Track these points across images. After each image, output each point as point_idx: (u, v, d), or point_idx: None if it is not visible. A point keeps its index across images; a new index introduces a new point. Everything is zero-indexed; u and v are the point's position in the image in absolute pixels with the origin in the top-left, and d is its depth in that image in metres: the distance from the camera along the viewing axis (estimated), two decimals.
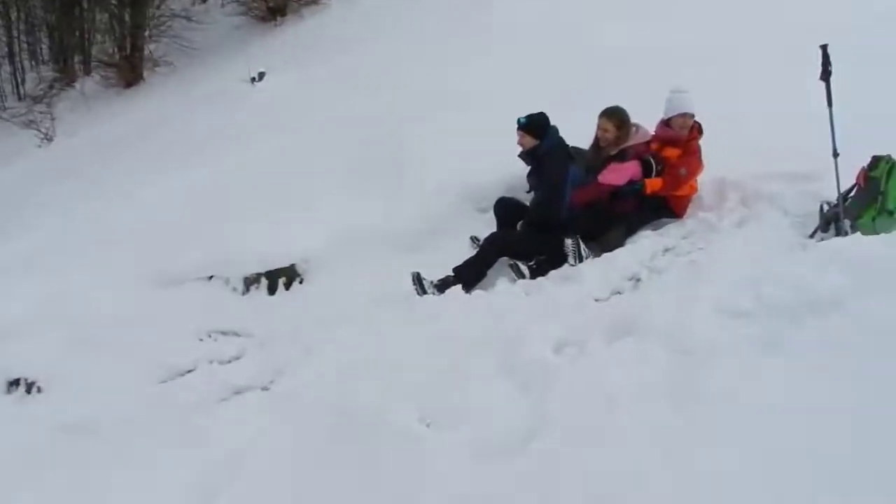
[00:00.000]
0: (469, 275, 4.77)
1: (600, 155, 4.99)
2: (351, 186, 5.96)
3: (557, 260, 4.70)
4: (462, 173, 5.71)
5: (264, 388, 4.06)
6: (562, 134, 5.03)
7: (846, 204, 4.07)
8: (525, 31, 8.60)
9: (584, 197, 4.87)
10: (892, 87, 5.13)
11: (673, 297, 3.45)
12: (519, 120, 4.97)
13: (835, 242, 3.50)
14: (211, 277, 5.52)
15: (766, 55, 6.55)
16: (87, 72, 15.47)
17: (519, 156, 5.07)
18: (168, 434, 3.76)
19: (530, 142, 4.98)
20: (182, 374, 4.67)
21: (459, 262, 4.87)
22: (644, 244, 4.59)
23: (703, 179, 5.13)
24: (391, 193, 5.75)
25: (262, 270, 5.41)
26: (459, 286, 4.61)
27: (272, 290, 5.38)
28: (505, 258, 4.88)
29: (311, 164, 6.49)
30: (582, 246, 4.65)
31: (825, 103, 4.04)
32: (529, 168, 5.09)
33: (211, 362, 4.71)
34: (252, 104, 9.47)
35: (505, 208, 5.25)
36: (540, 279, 4.57)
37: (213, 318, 5.15)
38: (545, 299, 4.06)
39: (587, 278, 4.29)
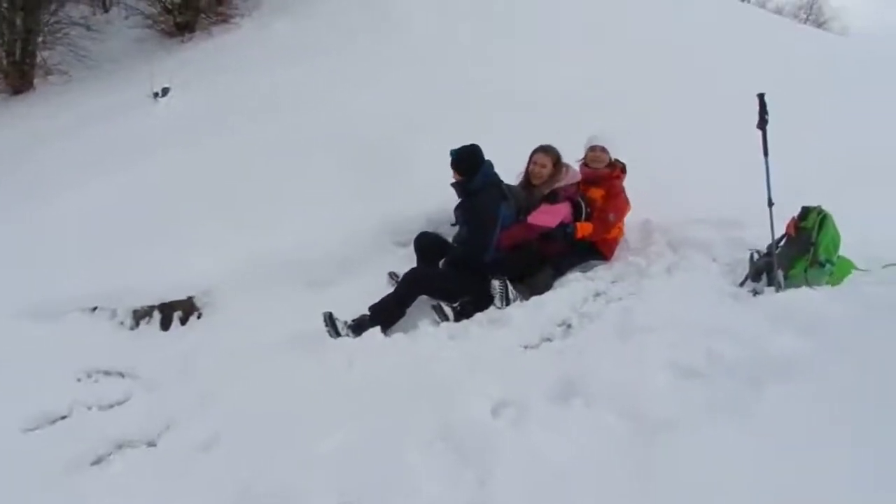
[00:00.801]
0: (387, 315, 4.42)
1: (532, 193, 4.77)
2: (258, 213, 5.51)
3: (483, 301, 4.42)
4: (379, 204, 5.39)
5: (150, 444, 3.51)
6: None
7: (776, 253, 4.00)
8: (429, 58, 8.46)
9: (512, 238, 4.64)
10: (816, 138, 5.23)
11: (614, 350, 3.19)
12: (451, 152, 4.69)
13: (782, 297, 3.39)
14: (95, 309, 4.93)
15: (692, 100, 6.63)
16: None
17: (451, 184, 4.80)
18: None
19: (459, 176, 4.71)
20: (53, 422, 4.04)
21: (376, 299, 4.50)
22: (573, 287, 4.39)
23: (628, 221, 5.03)
24: (301, 222, 5.35)
25: (156, 303, 4.88)
26: (377, 327, 4.23)
27: (166, 325, 4.85)
28: (426, 297, 4.56)
29: (214, 187, 5.97)
30: (510, 288, 4.41)
31: (761, 152, 3.98)
32: (459, 201, 4.81)
33: (89, 408, 4.12)
34: (153, 120, 8.79)
35: (426, 243, 4.95)
36: (464, 322, 4.27)
37: (94, 356, 4.57)
38: (472, 346, 3.73)
39: (515, 323, 4.02)
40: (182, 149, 6.95)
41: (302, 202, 5.52)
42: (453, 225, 4.94)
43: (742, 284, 4.09)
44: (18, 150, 9.16)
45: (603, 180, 4.89)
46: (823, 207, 4.05)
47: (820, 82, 7.34)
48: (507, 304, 4.37)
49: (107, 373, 4.48)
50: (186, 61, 11.58)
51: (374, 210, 5.31)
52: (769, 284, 3.96)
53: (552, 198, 4.72)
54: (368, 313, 4.41)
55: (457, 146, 4.71)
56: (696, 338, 3.00)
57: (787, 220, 4.12)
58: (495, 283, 4.38)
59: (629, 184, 5.00)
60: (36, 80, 13.24)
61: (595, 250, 4.85)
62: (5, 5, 13.57)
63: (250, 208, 5.55)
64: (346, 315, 4.38)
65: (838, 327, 2.66)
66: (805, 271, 3.91)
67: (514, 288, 4.45)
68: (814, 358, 2.52)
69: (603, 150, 4.91)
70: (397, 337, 4.11)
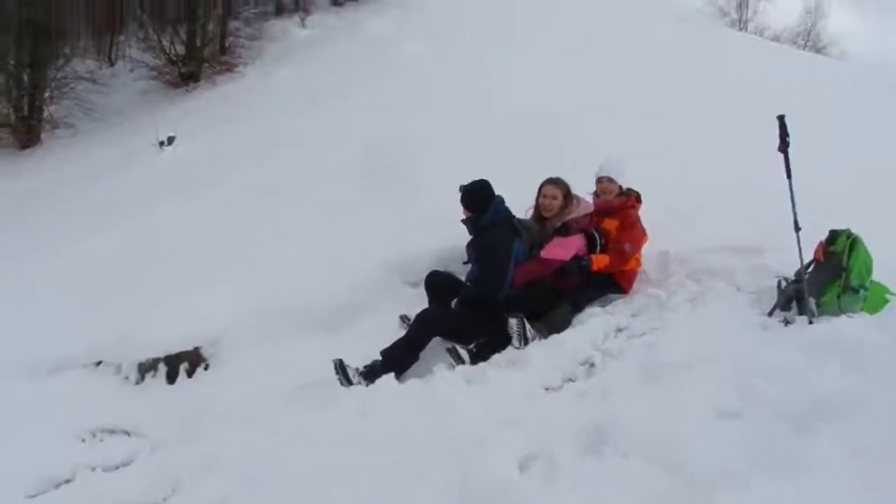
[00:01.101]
0: (399, 360, 4.24)
1: (545, 227, 4.63)
2: (264, 259, 5.38)
3: (500, 342, 4.23)
4: (387, 243, 5.25)
5: None
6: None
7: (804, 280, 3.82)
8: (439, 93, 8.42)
9: (526, 274, 4.48)
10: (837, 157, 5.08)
11: (644, 393, 2.99)
12: (460, 188, 4.57)
13: (820, 328, 3.17)
14: (99, 364, 4.77)
15: (706, 124, 6.53)
16: None
17: (462, 221, 4.65)
18: None
19: (469, 212, 4.58)
20: (57, 486, 3.85)
21: (387, 343, 4.32)
22: (593, 323, 4.20)
23: (645, 252, 4.87)
24: (306, 266, 5.21)
25: (161, 355, 4.69)
26: (390, 374, 4.04)
27: (172, 378, 4.67)
28: (440, 339, 4.38)
29: (219, 235, 5.87)
30: (527, 326, 4.22)
31: (784, 174, 3.83)
32: (471, 238, 4.66)
33: (93, 469, 3.91)
34: (159, 169, 8.80)
35: (437, 283, 4.78)
36: (481, 364, 4.08)
37: (98, 414, 4.38)
38: (491, 391, 3.54)
39: (535, 363, 3.84)
40: (186, 198, 6.91)
41: (308, 246, 5.39)
42: (465, 263, 4.78)
43: (771, 314, 3.90)
44: (23, 203, 9.16)
45: (617, 211, 4.75)
46: (853, 230, 3.88)
47: (832, 105, 7.23)
48: (526, 343, 4.19)
49: (111, 431, 4.30)
50: (191, 111, 11.68)
51: (382, 250, 5.17)
52: (801, 313, 3.76)
53: (564, 231, 4.57)
54: (380, 358, 4.24)
55: (466, 182, 4.59)
56: (732, 376, 2.79)
57: (815, 245, 3.94)
58: (512, 322, 4.20)
59: (644, 211, 4.85)
60: (43, 135, 13.40)
61: (613, 283, 4.68)
62: (12, 63, 13.78)
63: (255, 255, 5.42)
64: (357, 361, 4.20)
65: (884, 359, 2.46)
66: (838, 298, 3.72)
67: (532, 326, 4.27)
68: (862, 395, 2.31)
69: (610, 180, 4.77)
70: (412, 383, 3.92)
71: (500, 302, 4.37)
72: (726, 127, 6.56)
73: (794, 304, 3.86)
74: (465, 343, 4.26)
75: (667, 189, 5.29)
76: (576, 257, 4.51)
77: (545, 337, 4.26)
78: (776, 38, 28.54)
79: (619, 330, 4.13)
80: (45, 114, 13.53)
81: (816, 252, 3.94)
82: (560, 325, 4.37)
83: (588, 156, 4.95)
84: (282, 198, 6.22)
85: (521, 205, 4.79)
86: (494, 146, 6.50)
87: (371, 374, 4.11)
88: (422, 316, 4.41)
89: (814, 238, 3.93)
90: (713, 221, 4.94)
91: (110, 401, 4.50)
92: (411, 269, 5.09)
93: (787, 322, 3.76)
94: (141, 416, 4.32)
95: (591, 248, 4.62)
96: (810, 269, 3.91)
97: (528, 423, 2.97)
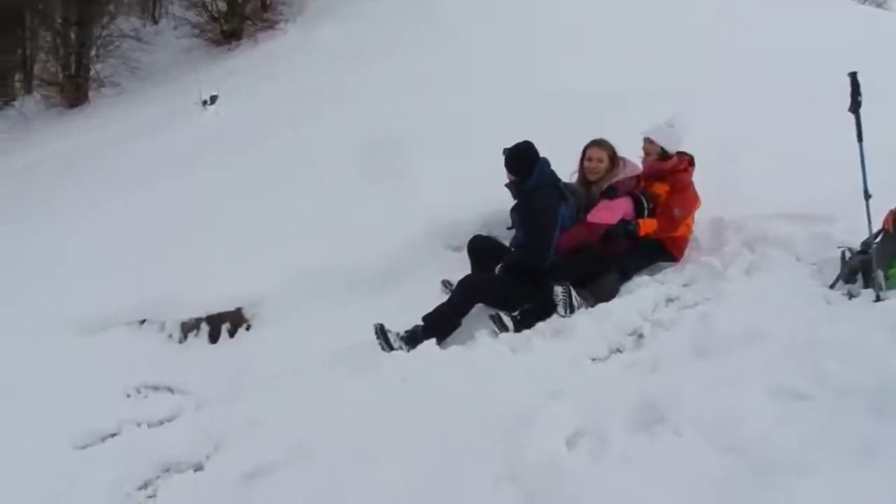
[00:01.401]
0: (441, 325, 4.15)
1: (590, 191, 4.47)
2: (306, 221, 5.33)
3: (544, 309, 4.12)
4: (431, 206, 5.14)
5: (197, 468, 3.32)
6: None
7: (870, 251, 3.59)
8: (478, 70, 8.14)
9: (572, 240, 4.32)
10: None
11: (700, 367, 2.84)
12: (503, 151, 4.41)
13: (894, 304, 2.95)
14: (143, 322, 4.83)
15: (764, 88, 6.20)
16: (29, 90, 14.57)
17: (506, 185, 4.50)
18: None
19: (513, 176, 4.44)
20: (103, 440, 3.92)
21: (429, 308, 4.24)
22: (643, 293, 4.04)
23: (698, 218, 4.67)
24: (350, 229, 5.14)
25: (203, 315, 4.74)
26: (432, 339, 3.97)
27: (214, 337, 4.71)
28: (482, 306, 4.28)
29: (261, 195, 5.84)
30: (574, 294, 4.09)
31: (855, 137, 3.57)
32: (515, 202, 4.52)
33: (139, 425, 3.98)
34: (203, 128, 8.79)
35: (480, 248, 4.65)
36: (525, 332, 3.97)
37: (143, 370, 4.46)
38: (536, 360, 3.44)
39: (581, 333, 3.71)
40: (230, 158, 6.88)
41: (350, 209, 5.33)
42: (509, 228, 4.64)
43: (833, 286, 3.69)
44: (71, 162, 9.30)
45: (668, 174, 4.54)
46: None
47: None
48: (572, 311, 4.06)
49: (155, 388, 4.37)
50: (234, 69, 11.61)
51: (425, 214, 5.06)
52: (866, 286, 3.55)
53: (610, 193, 4.38)
54: (422, 324, 4.17)
55: (510, 144, 4.43)
56: (796, 353, 2.62)
57: (885, 214, 3.69)
58: (558, 290, 4.07)
59: (697, 178, 4.64)
60: (90, 93, 13.52)
61: (663, 250, 4.49)
62: (60, 21, 13.90)
63: (298, 216, 5.38)
64: (398, 326, 4.14)
65: None
66: None
67: (578, 294, 4.14)
68: None
69: (650, 141, 4.55)
70: (454, 350, 3.84)
71: (546, 268, 4.24)
72: (790, 87, 6.21)
73: (859, 277, 3.64)
74: (508, 310, 4.16)
75: (723, 152, 5.05)
76: (623, 221, 4.34)
77: (591, 305, 4.12)
78: None
79: (670, 300, 3.97)
80: (92, 72, 13.66)
81: (886, 221, 3.68)
82: (607, 294, 4.22)
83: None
84: (324, 160, 6.11)
85: (564, 170, 4.63)
86: (545, 106, 6.27)
87: (412, 339, 4.04)
88: (465, 281, 4.31)
89: (884, 206, 3.68)
90: (772, 187, 4.68)
91: (154, 358, 4.56)
92: (455, 232, 4.97)
93: (851, 295, 3.54)
94: (184, 374, 4.37)
95: (638, 212, 4.44)
96: (878, 239, 3.67)
97: (575, 395, 2.86)
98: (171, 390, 4.32)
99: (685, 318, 3.63)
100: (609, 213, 4.36)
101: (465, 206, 4.93)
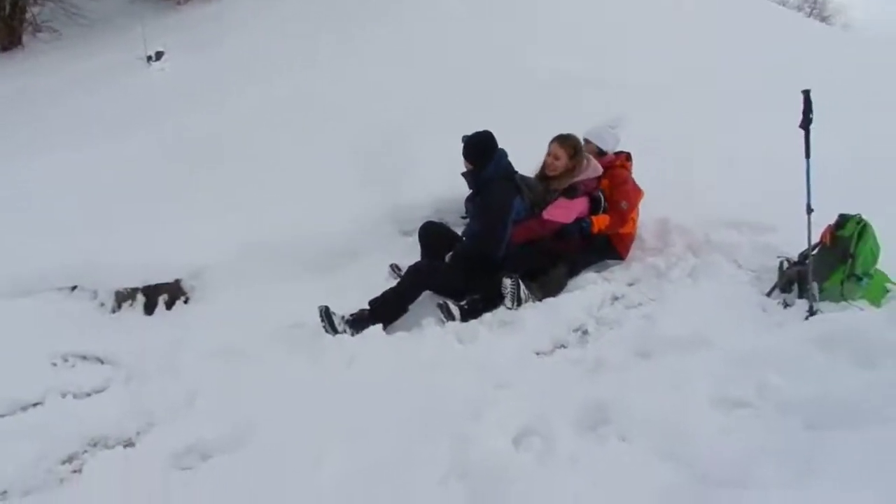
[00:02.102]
0: (387, 311, 4.11)
1: (547, 186, 4.47)
2: (254, 192, 5.17)
3: (492, 300, 4.13)
4: (385, 189, 5.07)
5: (127, 444, 3.20)
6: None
7: (807, 262, 3.73)
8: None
9: (525, 233, 4.34)
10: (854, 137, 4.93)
11: (642, 369, 2.89)
12: (462, 138, 4.36)
13: (832, 318, 3.07)
14: (74, 288, 4.61)
15: (720, 95, 6.32)
16: None
17: (462, 174, 4.47)
18: None
19: (471, 165, 4.40)
20: (24, 409, 3.71)
21: (377, 292, 4.19)
22: (589, 290, 4.09)
23: (645, 219, 4.75)
24: (300, 205, 5.01)
25: (140, 285, 4.53)
26: (378, 325, 3.93)
27: (150, 309, 4.52)
28: (431, 293, 4.26)
29: (208, 161, 5.60)
30: (522, 287, 4.11)
31: (803, 153, 3.68)
32: (470, 192, 4.49)
33: (64, 395, 3.78)
34: (146, 85, 8.38)
35: (432, 235, 4.63)
36: (472, 323, 3.98)
37: (72, 339, 4.22)
38: (482, 352, 3.44)
39: (527, 326, 3.74)
40: (174, 119, 6.57)
41: (301, 183, 5.19)
42: (464, 217, 4.62)
43: (770, 294, 3.83)
44: (2, 108, 8.75)
45: (606, 170, 4.60)
46: (863, 216, 3.78)
47: (849, 81, 7.01)
48: (518, 304, 4.08)
49: (84, 357, 4.14)
50: (182, 24, 11.13)
51: (380, 195, 5.00)
52: (801, 296, 3.70)
53: (571, 193, 4.41)
54: (368, 308, 4.12)
55: (469, 133, 4.39)
56: (736, 361, 2.70)
57: (823, 228, 3.84)
58: (507, 282, 4.09)
59: (647, 178, 4.71)
60: (24, 37, 12.73)
61: (611, 248, 4.57)
62: None
63: (245, 186, 5.22)
64: (344, 307, 4.07)
65: None
66: (841, 284, 3.65)
67: (526, 287, 4.16)
68: (881, 397, 2.22)
69: (587, 142, 4.64)
70: (400, 336, 3.81)
71: (497, 260, 4.24)
72: (744, 99, 6.36)
73: (794, 287, 3.78)
74: (456, 299, 4.15)
75: (672, 157, 5.15)
76: (577, 220, 4.38)
77: (539, 299, 4.16)
78: (782, 3, 27.92)
79: (616, 298, 4.04)
80: (28, 14, 12.86)
81: (823, 235, 3.84)
82: (555, 289, 4.27)
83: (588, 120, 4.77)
84: (276, 128, 5.93)
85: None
86: (515, 91, 6.25)
87: (357, 322, 3.99)
88: (413, 268, 4.28)
89: (823, 221, 3.82)
90: (721, 194, 4.81)
91: (84, 327, 4.34)
92: (408, 217, 4.93)
93: (786, 304, 3.69)
94: (116, 344, 4.16)
95: (594, 210, 4.49)
96: (814, 252, 3.81)
97: (521, 391, 2.88)
98: (100, 361, 4.11)
99: (629, 318, 3.70)
100: (565, 212, 4.39)
101: (421, 190, 4.87)
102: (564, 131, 4.49)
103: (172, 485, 2.65)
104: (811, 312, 3.49)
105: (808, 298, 3.58)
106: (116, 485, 2.71)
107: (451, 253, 4.48)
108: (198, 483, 2.65)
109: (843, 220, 3.81)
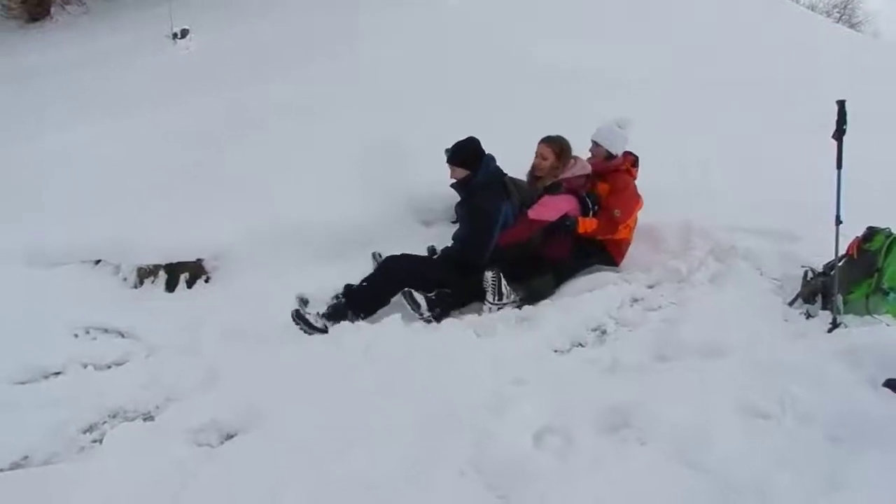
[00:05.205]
0: (362, 302, 4.09)
1: (536, 186, 4.47)
2: (278, 174, 5.19)
3: (462, 298, 4.16)
4: (413, 175, 5.06)
5: (147, 417, 3.24)
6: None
7: (832, 274, 3.69)
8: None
9: (512, 236, 4.33)
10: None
11: (661, 373, 2.87)
12: (445, 151, 4.38)
13: (858, 333, 3.02)
14: (98, 262, 4.66)
15: (750, 99, 6.25)
16: None
17: (451, 185, 4.49)
18: None
19: (461, 173, 4.41)
20: (46, 377, 3.75)
21: None
22: (609, 290, 4.08)
23: (666, 220, 4.71)
24: (323, 189, 5.02)
25: (162, 262, 4.58)
26: (359, 320, 3.93)
27: (171, 286, 4.58)
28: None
29: (236, 142, 5.62)
30: (503, 281, 4.08)
31: (834, 164, 3.63)
32: (460, 199, 4.52)
33: (85, 366, 3.83)
34: (172, 63, 8.43)
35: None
36: (490, 317, 3.98)
37: (93, 311, 4.28)
38: (501, 347, 3.43)
39: (545, 323, 3.74)
40: (200, 100, 6.60)
41: (325, 168, 5.19)
42: (454, 222, 4.66)
43: (792, 304, 3.80)
44: (29, 77, 8.82)
45: (609, 174, 4.53)
46: (893, 230, 3.74)
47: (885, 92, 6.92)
48: (500, 298, 4.07)
49: (105, 330, 4.20)
50: (207, 2, 11.12)
51: (404, 183, 5.00)
52: (824, 308, 3.66)
53: (554, 189, 4.39)
54: (343, 297, 4.14)
55: (452, 143, 4.41)
56: (763, 374, 2.67)
57: (851, 240, 3.80)
58: (488, 275, 4.07)
59: (668, 178, 4.68)
60: (53, 9, 12.85)
61: (604, 253, 4.49)
62: None
63: (270, 168, 5.23)
64: None
65: None
66: (866, 297, 3.60)
67: (509, 284, 4.12)
68: None
69: (595, 144, 4.57)
70: (417, 327, 3.82)
71: (481, 266, 4.20)
72: (773, 106, 6.29)
73: (818, 298, 3.75)
74: (426, 290, 4.10)
75: (702, 158, 5.11)
76: (562, 217, 4.32)
77: (521, 297, 4.16)
78: (811, 7, 27.52)
79: (636, 300, 4.02)
80: None
81: (850, 248, 3.79)
82: (541, 294, 4.24)
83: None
84: (303, 111, 5.91)
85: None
86: (541, 84, 6.22)
87: (335, 315, 4.00)
88: (388, 263, 4.30)
89: (853, 233, 3.78)
90: (747, 199, 4.78)
91: (106, 301, 4.41)
92: (431, 207, 4.96)
93: (808, 315, 3.65)
94: (137, 319, 4.22)
95: (583, 212, 4.40)
96: (840, 263, 3.78)
97: (540, 388, 2.87)
98: (121, 334, 4.17)
99: (649, 321, 3.69)
100: (549, 209, 4.35)
101: (444, 182, 4.88)
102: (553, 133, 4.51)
103: (191, 461, 2.66)
104: (834, 325, 3.46)
105: (831, 310, 3.55)
106: (136, 457, 2.72)
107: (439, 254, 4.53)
108: (217, 460, 2.67)
109: (872, 233, 3.77)
